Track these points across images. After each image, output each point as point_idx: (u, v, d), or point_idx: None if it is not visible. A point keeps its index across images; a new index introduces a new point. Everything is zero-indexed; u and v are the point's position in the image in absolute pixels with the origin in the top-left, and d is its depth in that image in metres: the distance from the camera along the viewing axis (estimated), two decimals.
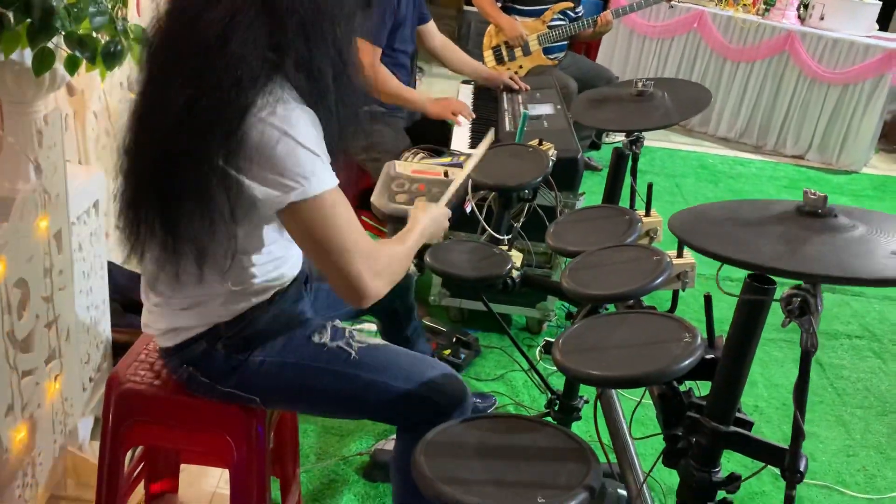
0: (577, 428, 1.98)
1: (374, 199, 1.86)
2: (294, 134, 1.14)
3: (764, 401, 2.51)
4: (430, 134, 2.69)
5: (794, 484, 1.01)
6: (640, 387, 1.12)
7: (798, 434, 1.00)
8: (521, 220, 1.91)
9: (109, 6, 1.59)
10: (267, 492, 1.46)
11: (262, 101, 1.13)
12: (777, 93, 5.18)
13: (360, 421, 2.13)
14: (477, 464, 1.06)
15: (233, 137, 1.11)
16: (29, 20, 1.43)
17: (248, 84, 1.11)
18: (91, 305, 1.90)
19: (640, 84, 1.66)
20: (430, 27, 2.84)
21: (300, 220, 1.18)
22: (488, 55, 4.12)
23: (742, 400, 2.36)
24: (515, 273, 1.70)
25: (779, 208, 1.02)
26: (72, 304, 1.74)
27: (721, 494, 1.11)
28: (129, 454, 1.53)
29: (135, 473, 1.68)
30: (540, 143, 1.82)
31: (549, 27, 4.06)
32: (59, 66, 1.53)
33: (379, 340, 1.44)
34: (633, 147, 1.71)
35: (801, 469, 1.01)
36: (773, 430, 2.37)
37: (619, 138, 5.08)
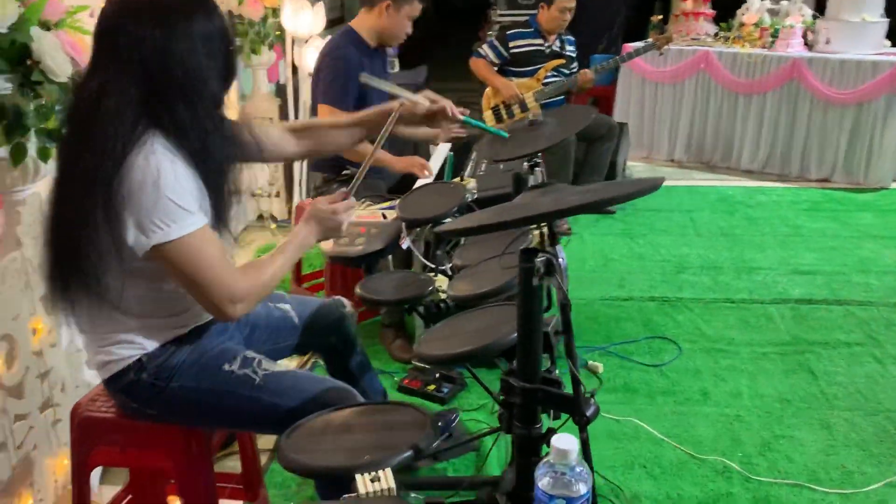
0: None
1: (322, 244, 2.09)
2: (160, 185, 1.35)
3: (746, 410, 2.54)
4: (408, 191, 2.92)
5: (583, 427, 1.13)
6: (472, 360, 1.28)
7: (576, 382, 1.13)
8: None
9: None
10: None
11: (134, 155, 1.36)
12: (794, 120, 5.21)
13: None
14: (331, 438, 1.24)
15: (108, 189, 1.34)
16: (5, 121, 1.76)
17: (120, 141, 1.35)
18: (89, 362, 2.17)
19: (531, 116, 1.85)
20: None
21: (166, 260, 1.40)
22: (488, 115, 4.38)
23: (724, 411, 2.41)
24: (445, 296, 1.87)
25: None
26: (65, 359, 2.02)
27: (546, 449, 1.22)
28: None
29: (123, 503, 1.91)
30: (461, 179, 2.02)
31: (544, 84, 4.30)
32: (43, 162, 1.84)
33: (285, 367, 1.61)
34: (532, 171, 1.88)
35: (588, 414, 1.13)
36: (752, 436, 2.40)
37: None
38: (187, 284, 1.45)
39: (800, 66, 5.07)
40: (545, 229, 1.28)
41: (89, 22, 2.29)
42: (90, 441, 1.63)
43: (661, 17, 5.79)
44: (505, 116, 4.34)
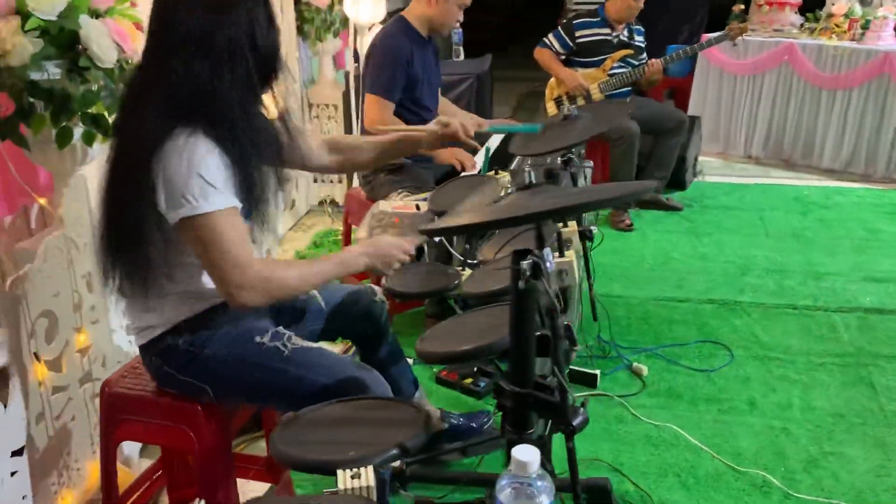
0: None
1: (357, 233, 2.10)
2: (193, 163, 1.42)
3: (795, 422, 2.42)
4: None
5: (569, 436, 1.10)
6: (470, 360, 1.25)
7: (563, 390, 1.09)
8: None
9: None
10: (232, 484, 1.70)
11: (176, 135, 1.42)
12: (881, 117, 4.92)
13: None
14: (324, 431, 1.24)
15: (149, 163, 1.43)
16: (52, 106, 1.84)
17: (164, 123, 1.44)
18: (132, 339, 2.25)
19: (566, 110, 1.80)
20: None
21: (189, 234, 1.45)
22: (551, 106, 4.31)
23: (771, 422, 2.30)
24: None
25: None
26: (108, 336, 2.10)
27: None
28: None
29: (154, 477, 1.98)
30: (496, 173, 1.99)
31: (610, 75, 4.20)
32: (88, 146, 1.91)
33: (314, 343, 1.63)
34: (567, 167, 1.83)
35: (574, 423, 1.09)
36: (798, 450, 2.29)
37: (712, 178, 5.03)
38: (203, 261, 1.49)
39: (892, 59, 4.78)
40: (567, 227, 1.25)
41: (146, 10, 2.37)
42: (117, 416, 1.69)
43: (742, 6, 5.55)
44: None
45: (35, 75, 1.79)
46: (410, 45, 2.76)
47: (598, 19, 4.21)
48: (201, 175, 1.42)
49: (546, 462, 2.02)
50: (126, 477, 2.01)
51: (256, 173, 1.54)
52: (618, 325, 3.05)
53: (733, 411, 2.49)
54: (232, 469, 1.70)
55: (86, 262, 1.97)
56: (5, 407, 1.72)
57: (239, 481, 1.81)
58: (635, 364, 2.74)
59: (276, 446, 1.19)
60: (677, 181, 4.72)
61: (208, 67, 1.45)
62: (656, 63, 4.12)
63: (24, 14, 1.77)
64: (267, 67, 1.53)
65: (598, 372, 2.66)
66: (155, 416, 1.67)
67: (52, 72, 1.82)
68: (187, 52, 1.44)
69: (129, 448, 2.20)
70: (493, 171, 2.00)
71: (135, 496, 1.92)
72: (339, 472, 1.09)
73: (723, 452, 2.27)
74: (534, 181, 1.09)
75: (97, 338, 2.04)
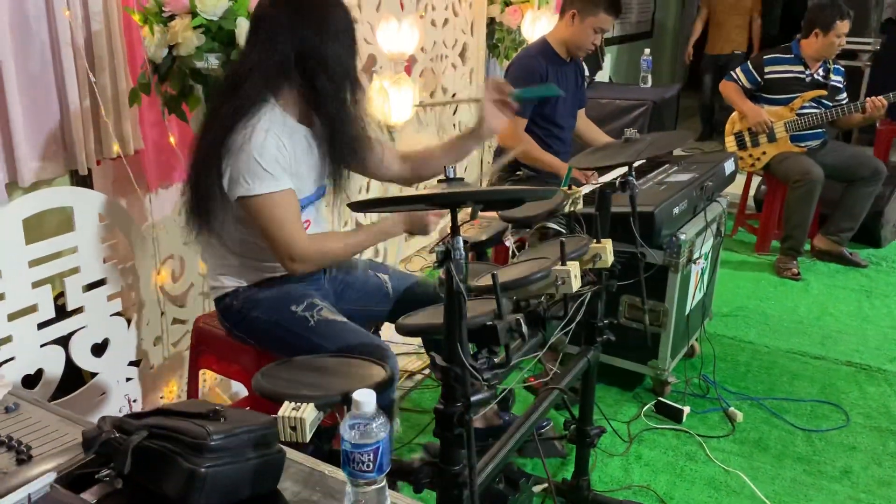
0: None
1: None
2: (251, 148, 1.67)
3: (888, 502, 2.21)
4: None
5: (465, 409, 1.20)
6: (422, 334, 1.39)
7: (463, 366, 1.19)
8: None
9: None
10: None
11: (243, 123, 1.70)
12: None
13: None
14: (301, 373, 1.45)
15: (220, 147, 1.70)
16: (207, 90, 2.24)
17: (235, 112, 1.71)
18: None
19: (628, 133, 1.85)
20: (581, 111, 3.18)
21: (246, 211, 1.71)
22: (730, 140, 4.17)
23: (860, 496, 2.17)
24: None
25: None
26: None
27: (458, 429, 1.29)
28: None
29: None
30: (570, 189, 2.07)
31: (798, 115, 3.98)
32: None
33: (341, 318, 1.82)
34: (626, 188, 1.86)
35: (472, 399, 1.18)
36: None
37: None
38: (262, 235, 1.75)
39: None
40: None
41: None
42: (200, 347, 2.04)
43: None
44: (749, 144, 4.09)
45: (198, 64, 2.19)
46: (546, 65, 2.88)
47: (791, 56, 4.00)
48: (257, 160, 1.67)
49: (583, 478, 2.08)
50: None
51: (321, 163, 1.78)
52: (735, 371, 2.94)
53: (820, 475, 2.33)
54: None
55: None
56: (129, 324, 2.15)
57: None
58: (731, 409, 2.64)
59: (256, 377, 1.42)
60: (872, 237, 4.34)
61: (275, 69, 1.71)
62: (878, 100, 3.81)
63: (193, 13, 2.18)
64: (332, 83, 1.75)
65: (687, 408, 2.61)
66: (224, 353, 1.99)
67: (212, 62, 2.21)
68: (264, 51, 1.71)
69: (238, 386, 2.57)
70: (568, 188, 2.08)
71: None
72: (285, 402, 1.29)
73: None
74: (454, 176, 1.21)
75: None
